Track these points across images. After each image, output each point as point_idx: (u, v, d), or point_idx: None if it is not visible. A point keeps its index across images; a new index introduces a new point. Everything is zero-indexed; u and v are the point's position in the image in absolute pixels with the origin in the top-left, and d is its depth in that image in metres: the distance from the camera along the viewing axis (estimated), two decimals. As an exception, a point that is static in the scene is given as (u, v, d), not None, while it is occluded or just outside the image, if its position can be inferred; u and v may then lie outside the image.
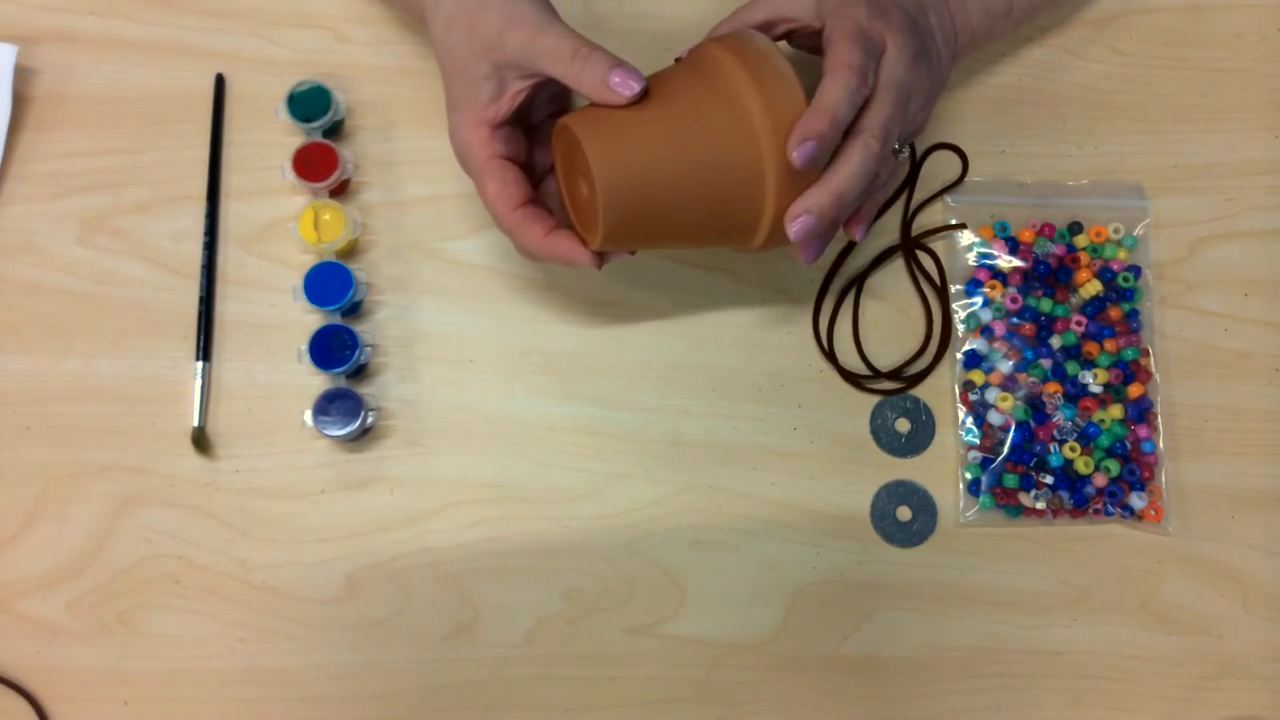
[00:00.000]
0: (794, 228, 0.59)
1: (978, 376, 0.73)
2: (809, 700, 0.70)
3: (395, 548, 0.70)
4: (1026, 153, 0.77)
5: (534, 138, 0.66)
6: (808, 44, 0.65)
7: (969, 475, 0.72)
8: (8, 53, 0.73)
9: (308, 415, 0.69)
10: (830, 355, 0.73)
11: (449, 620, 0.70)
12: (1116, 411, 0.72)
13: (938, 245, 0.75)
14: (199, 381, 0.71)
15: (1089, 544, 0.72)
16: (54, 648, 0.68)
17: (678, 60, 0.64)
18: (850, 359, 0.74)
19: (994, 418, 0.72)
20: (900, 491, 0.72)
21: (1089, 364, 0.73)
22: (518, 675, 0.69)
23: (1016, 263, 0.74)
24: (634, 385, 0.73)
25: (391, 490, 0.71)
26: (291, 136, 0.74)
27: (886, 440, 0.73)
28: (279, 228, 0.73)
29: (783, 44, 0.66)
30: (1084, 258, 0.75)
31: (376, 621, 0.69)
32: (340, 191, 0.74)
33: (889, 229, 0.75)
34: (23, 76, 0.74)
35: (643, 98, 0.58)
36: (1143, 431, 0.72)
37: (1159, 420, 0.73)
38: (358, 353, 0.69)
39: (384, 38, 0.76)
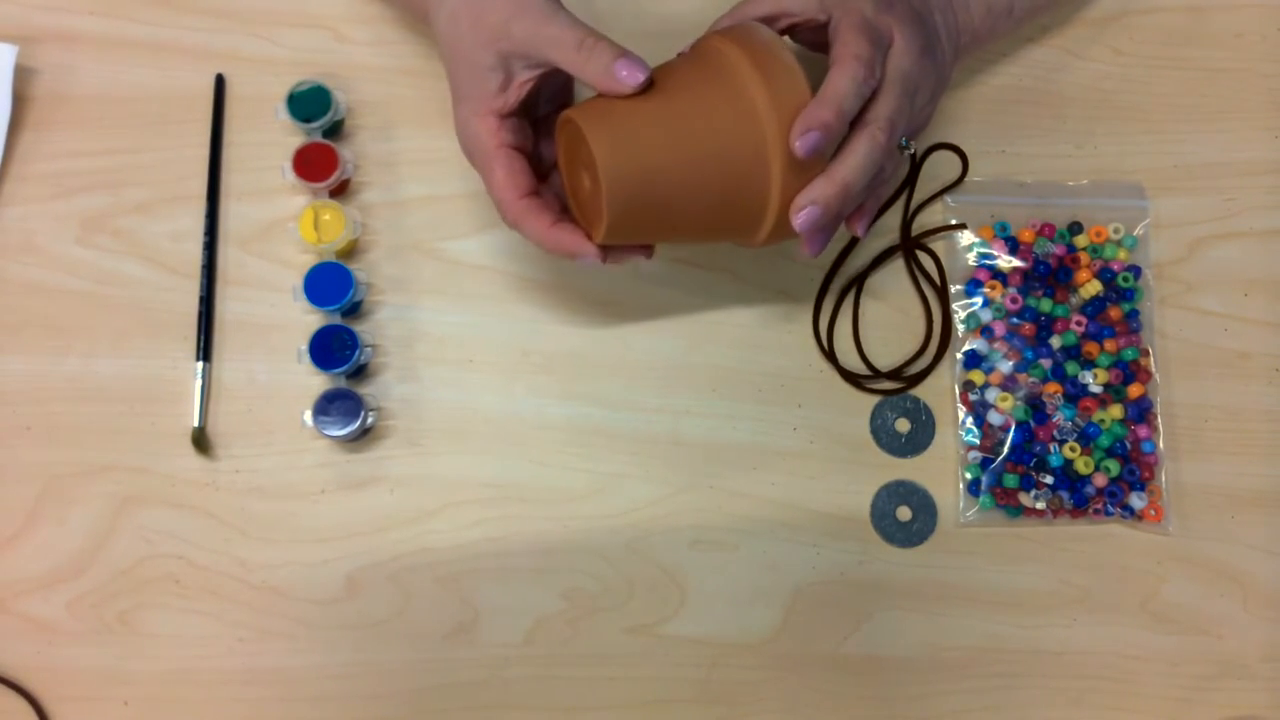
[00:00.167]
0: (799, 219, 0.59)
1: (978, 376, 0.73)
2: (809, 700, 0.70)
3: (395, 548, 0.70)
4: (1026, 153, 0.77)
5: (540, 131, 0.66)
6: (810, 39, 0.64)
7: (969, 475, 0.72)
8: (8, 53, 0.73)
9: (308, 415, 0.69)
10: (830, 355, 0.73)
11: (449, 620, 0.70)
12: (1116, 411, 0.72)
13: (938, 245, 0.75)
14: (199, 381, 0.71)
15: (1089, 544, 0.72)
16: (54, 648, 0.68)
17: (680, 55, 0.64)
18: (850, 359, 0.74)
19: (994, 418, 0.72)
20: (900, 491, 0.72)
21: (1089, 364, 0.73)
22: (518, 675, 0.69)
23: (1016, 263, 0.74)
24: (634, 385, 0.73)
25: (391, 490, 0.71)
26: (291, 136, 0.74)
27: (886, 440, 0.73)
28: (279, 228, 0.73)
29: (784, 39, 0.66)
30: (1084, 258, 0.75)
31: (376, 621, 0.69)
32: (340, 191, 0.74)
33: (889, 229, 0.75)
34: (23, 76, 0.74)
35: (648, 88, 0.58)
36: (1143, 431, 0.72)
37: (1159, 420, 0.73)
38: (358, 353, 0.69)
39: (384, 38, 0.76)
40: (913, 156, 0.75)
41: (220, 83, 0.75)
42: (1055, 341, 0.73)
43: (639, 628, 0.70)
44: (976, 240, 0.75)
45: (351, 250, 0.73)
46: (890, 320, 0.74)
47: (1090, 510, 0.72)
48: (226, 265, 0.73)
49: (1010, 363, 0.73)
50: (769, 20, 0.64)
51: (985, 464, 0.72)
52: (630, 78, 0.58)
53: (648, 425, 0.72)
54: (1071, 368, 0.73)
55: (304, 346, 0.69)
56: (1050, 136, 0.77)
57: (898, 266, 0.75)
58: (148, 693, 0.68)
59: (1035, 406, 0.72)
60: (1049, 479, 0.72)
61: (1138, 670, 0.71)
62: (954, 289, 0.74)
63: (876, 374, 0.73)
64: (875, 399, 0.73)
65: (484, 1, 0.59)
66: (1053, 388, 0.73)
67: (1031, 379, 0.73)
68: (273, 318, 0.72)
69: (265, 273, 0.73)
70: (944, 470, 0.73)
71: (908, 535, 0.72)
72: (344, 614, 0.69)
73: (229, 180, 0.74)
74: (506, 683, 0.69)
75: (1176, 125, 0.77)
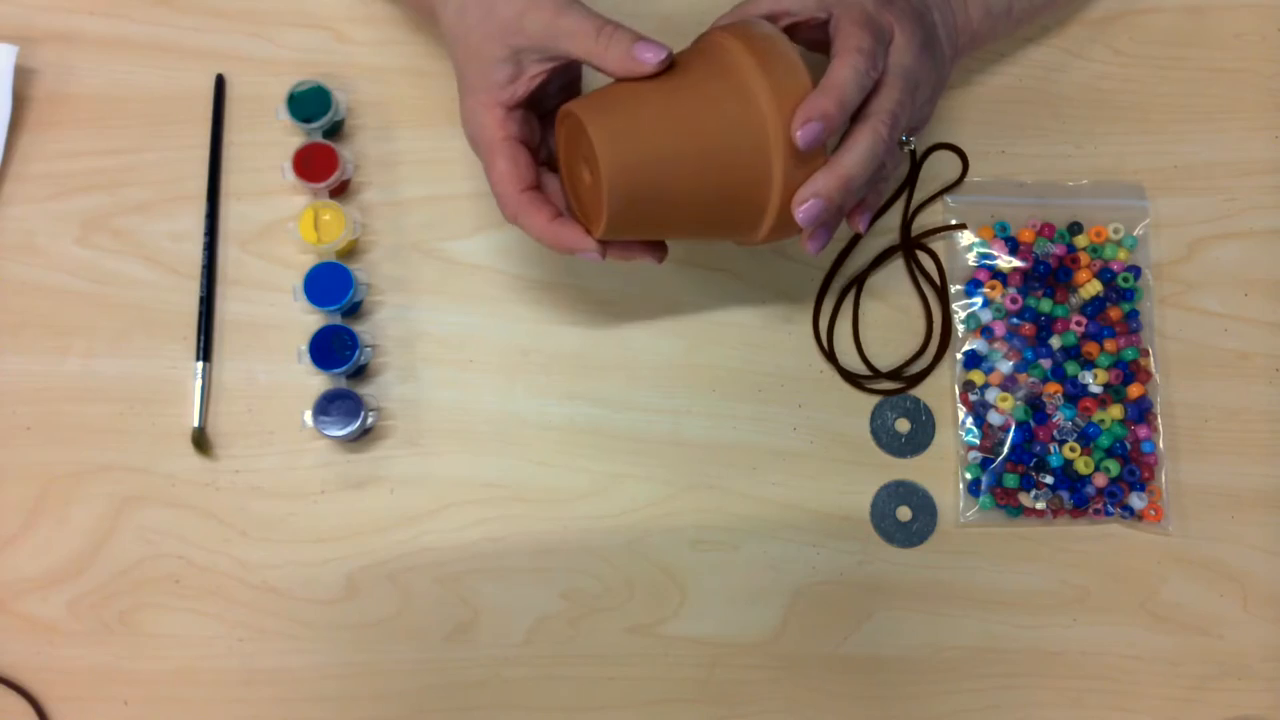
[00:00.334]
0: (801, 212, 0.59)
1: (978, 376, 0.73)
2: (809, 700, 0.70)
3: (395, 548, 0.70)
4: (1026, 153, 0.77)
5: (547, 126, 0.65)
6: (810, 38, 0.64)
7: (969, 475, 0.72)
8: (8, 53, 0.73)
9: (308, 415, 0.69)
10: (830, 355, 0.73)
11: (449, 620, 0.70)
12: (1116, 411, 0.72)
13: (938, 245, 0.75)
14: (199, 382, 0.71)
15: (1089, 544, 0.72)
16: (54, 648, 0.68)
17: (681, 51, 0.64)
18: (850, 359, 0.74)
19: (994, 418, 0.72)
20: (900, 491, 0.72)
21: (1089, 364, 0.73)
22: (518, 675, 0.69)
23: (1016, 263, 0.74)
24: (634, 385, 0.73)
25: (391, 490, 0.71)
26: (291, 136, 0.74)
27: (886, 440, 0.73)
28: (279, 228, 0.73)
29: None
30: (1084, 258, 0.75)
31: (376, 621, 0.69)
32: (340, 191, 0.74)
33: (889, 229, 0.75)
34: (23, 76, 0.74)
35: (669, 67, 0.58)
36: (1143, 431, 0.72)
37: (1159, 420, 0.73)
38: (358, 353, 0.69)
39: (384, 38, 0.76)
40: (913, 154, 0.75)
41: (220, 83, 0.75)
42: (1055, 342, 0.73)
43: (639, 628, 0.70)
44: (976, 240, 0.75)
45: (351, 250, 0.73)
46: (890, 320, 0.74)
47: (1090, 510, 0.72)
48: (226, 265, 0.73)
49: (1010, 363, 0.73)
50: (770, 19, 0.63)
51: (985, 464, 0.72)
52: (653, 56, 0.58)
53: (648, 425, 0.72)
54: (1071, 368, 0.73)
55: (304, 347, 0.69)
56: (1050, 136, 0.77)
57: (898, 266, 0.75)
58: (148, 693, 0.68)
59: (1035, 406, 0.72)
60: (1049, 479, 0.72)
61: (1138, 670, 0.71)
62: (954, 289, 0.74)
63: (876, 374, 0.73)
64: (875, 399, 0.73)
65: None
66: (1053, 388, 0.73)
67: (1031, 379, 0.73)
68: (273, 318, 0.72)
69: (265, 273, 0.73)
70: (944, 470, 0.73)
71: (908, 535, 0.72)
72: (344, 614, 0.69)
73: (229, 180, 0.74)
74: (506, 683, 0.69)
75: (1176, 125, 0.77)
